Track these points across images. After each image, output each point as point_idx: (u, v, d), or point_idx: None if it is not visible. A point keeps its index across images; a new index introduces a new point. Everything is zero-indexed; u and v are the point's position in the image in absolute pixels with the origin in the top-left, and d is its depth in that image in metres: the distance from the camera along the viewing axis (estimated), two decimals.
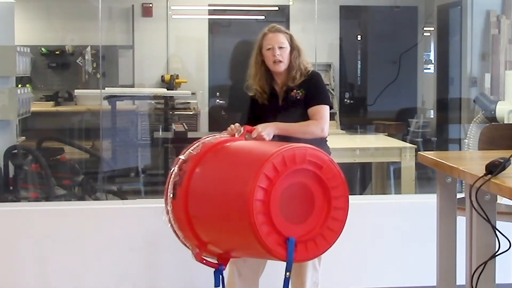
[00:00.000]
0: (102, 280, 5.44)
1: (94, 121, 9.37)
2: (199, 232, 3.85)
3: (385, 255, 5.64)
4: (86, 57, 10.59)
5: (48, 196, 7.15)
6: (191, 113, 10.39)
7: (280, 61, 4.37)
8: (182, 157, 3.96)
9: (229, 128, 4.18)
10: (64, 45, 10.84)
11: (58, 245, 5.41)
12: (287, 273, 3.66)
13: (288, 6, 11.41)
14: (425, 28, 11.81)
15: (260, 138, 4.12)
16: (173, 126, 9.12)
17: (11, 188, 7.09)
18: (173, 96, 10.20)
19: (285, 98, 4.41)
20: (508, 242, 3.09)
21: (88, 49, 10.56)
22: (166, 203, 3.91)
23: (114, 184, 8.55)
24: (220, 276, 3.93)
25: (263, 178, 3.50)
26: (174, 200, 3.87)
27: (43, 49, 10.76)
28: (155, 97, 10.08)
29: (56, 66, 10.87)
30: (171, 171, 3.92)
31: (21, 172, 7.19)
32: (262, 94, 4.49)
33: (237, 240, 3.80)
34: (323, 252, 3.83)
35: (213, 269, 3.90)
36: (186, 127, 8.65)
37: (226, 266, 3.92)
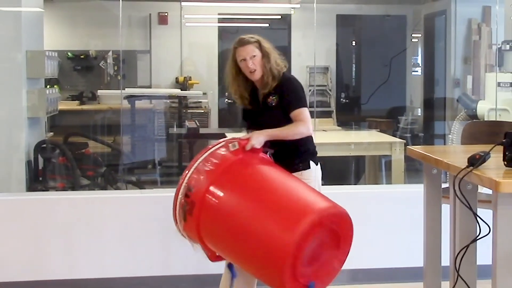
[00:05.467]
0: (121, 262, 5.45)
1: (115, 119, 9.36)
2: (212, 248, 3.78)
3: (377, 239, 5.63)
4: (108, 61, 10.59)
5: (73, 186, 7.16)
6: (202, 111, 10.40)
7: (255, 70, 4.21)
8: (184, 183, 3.72)
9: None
10: (88, 50, 10.84)
11: (82, 230, 5.42)
12: None
13: (290, 15, 11.40)
14: (413, 35, 11.80)
15: (253, 148, 3.95)
16: (186, 123, 9.13)
17: (40, 178, 7.09)
18: (186, 96, 10.21)
19: (263, 103, 4.27)
20: (488, 228, 3.08)
21: (110, 53, 10.56)
22: (176, 223, 3.79)
23: (133, 175, 8.56)
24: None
25: (304, 238, 3.39)
26: (186, 223, 3.73)
27: (69, 53, 10.76)
28: (170, 97, 10.09)
29: (81, 69, 10.88)
30: (177, 198, 3.73)
31: (49, 165, 7.20)
32: (243, 100, 4.36)
33: (255, 271, 3.72)
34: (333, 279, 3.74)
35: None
36: (198, 124, 8.66)
37: None
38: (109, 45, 10.58)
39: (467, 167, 3.09)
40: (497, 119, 6.65)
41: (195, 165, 3.77)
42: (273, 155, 4.18)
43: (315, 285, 3.52)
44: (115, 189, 7.59)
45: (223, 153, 3.84)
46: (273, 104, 4.23)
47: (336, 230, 3.57)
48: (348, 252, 3.69)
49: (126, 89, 9.31)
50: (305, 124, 4.15)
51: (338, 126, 10.47)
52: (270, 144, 4.11)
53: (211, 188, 3.67)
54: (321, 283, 3.62)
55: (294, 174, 4.15)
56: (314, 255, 3.52)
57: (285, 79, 4.27)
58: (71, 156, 7.25)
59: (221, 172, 3.75)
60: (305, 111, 4.19)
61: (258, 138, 3.99)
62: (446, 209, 3.73)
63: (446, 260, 3.69)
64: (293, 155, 4.23)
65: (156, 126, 9.47)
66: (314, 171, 4.30)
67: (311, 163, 4.28)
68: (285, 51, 11.30)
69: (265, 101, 4.26)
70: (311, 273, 3.54)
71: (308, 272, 3.51)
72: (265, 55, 4.24)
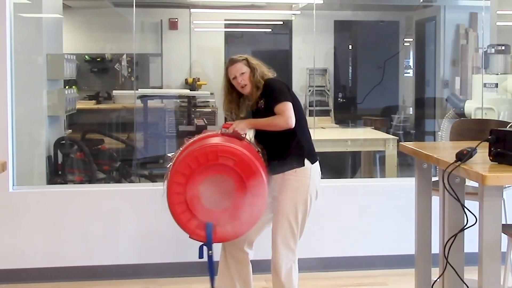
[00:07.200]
0: (135, 250, 5.45)
1: (129, 117, 9.36)
2: None
3: (372, 229, 5.63)
4: (122, 63, 10.59)
5: (90, 179, 7.16)
6: (210, 110, 10.38)
7: (245, 85, 4.28)
8: (169, 155, 4.16)
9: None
10: (104, 53, 10.85)
11: (98, 220, 5.42)
12: (210, 251, 3.84)
13: (291, 21, 11.38)
14: (405, 39, 11.78)
15: (236, 132, 4.13)
16: (195, 121, 9.12)
17: (59, 172, 7.09)
18: (195, 96, 10.19)
19: (256, 110, 4.32)
20: (475, 218, 3.08)
21: (124, 56, 10.56)
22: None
23: (146, 169, 8.54)
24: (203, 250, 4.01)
25: (179, 176, 3.63)
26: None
27: (86, 56, 10.76)
28: (180, 96, 10.07)
29: (97, 71, 10.89)
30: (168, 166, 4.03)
31: (68, 159, 7.20)
32: (232, 115, 4.46)
33: None
34: (242, 234, 3.87)
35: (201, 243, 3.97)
36: (206, 122, 8.65)
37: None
38: (124, 48, 10.58)
39: (455, 162, 3.09)
40: (483, 117, 6.64)
41: (190, 141, 4.14)
42: (269, 154, 4.20)
43: (214, 228, 3.71)
44: (129, 182, 7.60)
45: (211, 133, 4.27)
46: (263, 107, 4.26)
47: (242, 176, 3.72)
48: (261, 209, 3.73)
49: (139, 89, 9.31)
50: (282, 117, 4.14)
51: (335, 124, 10.45)
52: (260, 138, 4.27)
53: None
54: (224, 231, 3.77)
55: (288, 172, 4.15)
56: (221, 198, 3.72)
57: (267, 82, 4.30)
58: (88, 152, 7.25)
59: (195, 142, 4.09)
60: (283, 105, 4.16)
61: (240, 124, 4.19)
62: (436, 200, 3.72)
63: (436, 248, 3.69)
64: (287, 151, 4.19)
65: (167, 123, 9.44)
66: (310, 170, 4.20)
67: (306, 161, 4.21)
68: (287, 54, 11.32)
69: (257, 107, 4.31)
70: (218, 218, 3.72)
71: (213, 215, 3.71)
72: (253, 69, 4.30)
